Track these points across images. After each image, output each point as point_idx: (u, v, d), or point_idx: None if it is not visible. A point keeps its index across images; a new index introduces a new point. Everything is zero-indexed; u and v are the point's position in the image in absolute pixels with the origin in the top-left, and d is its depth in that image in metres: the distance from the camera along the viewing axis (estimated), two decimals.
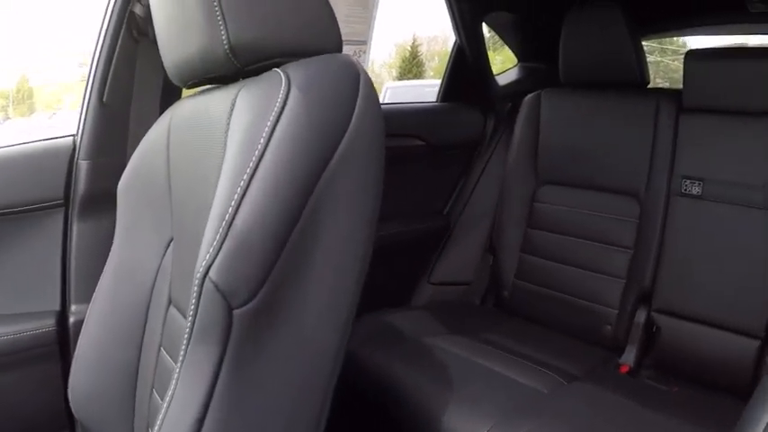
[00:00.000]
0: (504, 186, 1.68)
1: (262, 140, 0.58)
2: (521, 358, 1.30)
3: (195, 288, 0.57)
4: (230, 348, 0.56)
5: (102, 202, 1.09)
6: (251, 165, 0.57)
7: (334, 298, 0.62)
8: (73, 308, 1.11)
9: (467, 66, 1.75)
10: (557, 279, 1.54)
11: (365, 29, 1.43)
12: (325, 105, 0.61)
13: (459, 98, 1.82)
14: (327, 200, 0.59)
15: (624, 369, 1.39)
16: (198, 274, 0.56)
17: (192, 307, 0.57)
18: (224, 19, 0.64)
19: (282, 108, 0.59)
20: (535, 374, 1.23)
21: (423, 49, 19.65)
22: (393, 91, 7.65)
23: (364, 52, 1.45)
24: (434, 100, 1.85)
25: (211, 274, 0.55)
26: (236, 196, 0.56)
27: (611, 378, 1.33)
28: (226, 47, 0.64)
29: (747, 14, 1.75)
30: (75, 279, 1.11)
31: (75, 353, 0.89)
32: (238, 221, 0.55)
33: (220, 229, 0.56)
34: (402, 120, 1.66)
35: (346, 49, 1.39)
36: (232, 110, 0.65)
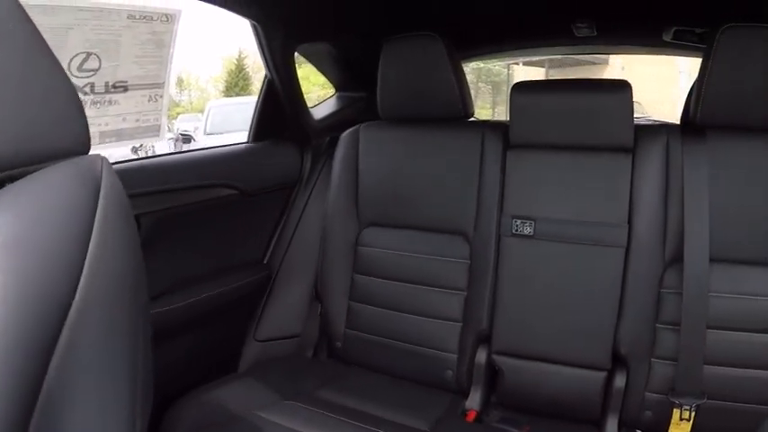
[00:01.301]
0: (325, 230, 1.58)
1: None
2: (362, 422, 1.22)
3: None
4: None
5: None
6: None
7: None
8: None
9: (279, 101, 1.64)
10: (389, 326, 1.47)
11: (161, 69, 1.26)
12: (44, 249, 0.45)
13: (272, 136, 1.69)
14: (80, 342, 0.45)
15: (471, 416, 1.36)
16: None
17: None
18: None
19: None
20: None
21: (249, 62, 19.25)
22: (217, 111, 7.25)
23: (161, 96, 1.28)
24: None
25: None
26: None
27: (458, 427, 1.30)
28: None
29: (573, 38, 1.84)
30: None
31: None
32: None
33: None
34: (210, 168, 1.49)
35: (140, 95, 1.21)
36: None
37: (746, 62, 1.18)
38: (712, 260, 1.21)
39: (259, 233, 1.69)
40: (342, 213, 1.56)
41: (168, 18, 1.20)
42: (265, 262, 1.68)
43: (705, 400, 1.21)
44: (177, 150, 5.92)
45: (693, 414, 1.21)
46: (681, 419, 1.22)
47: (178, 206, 1.34)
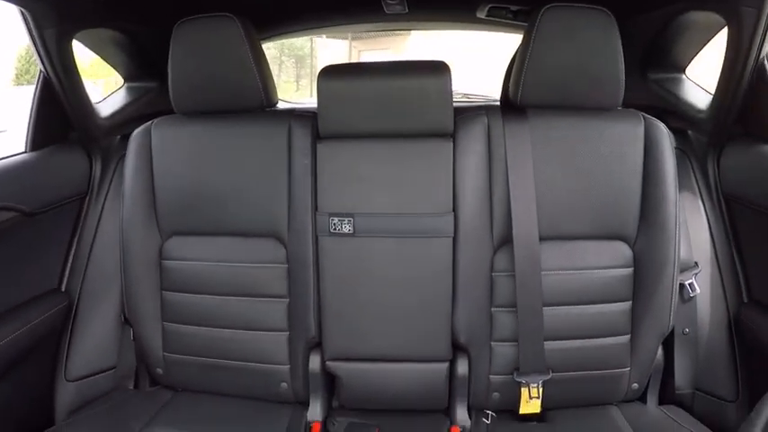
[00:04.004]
0: (124, 245, 1.37)
1: None
2: None
3: None
4: None
5: None
6: None
7: None
8: None
9: (58, 99, 1.38)
10: (211, 345, 1.35)
11: None
12: None
13: (53, 141, 1.44)
14: None
15: (316, 429, 1.31)
16: None
17: None
18: None
19: None
20: None
21: None
22: None
23: None
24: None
25: None
26: None
27: None
28: None
29: (383, 14, 1.76)
30: None
31: None
32: None
33: None
34: None
35: None
36: None
37: (567, 42, 1.20)
38: (541, 239, 1.24)
39: (51, 257, 1.45)
40: (139, 225, 1.36)
41: None
42: (63, 290, 1.45)
43: (551, 375, 1.26)
44: None
45: (541, 390, 1.26)
46: (530, 398, 1.27)
47: None
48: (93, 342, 1.44)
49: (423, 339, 1.29)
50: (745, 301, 1.35)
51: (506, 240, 1.27)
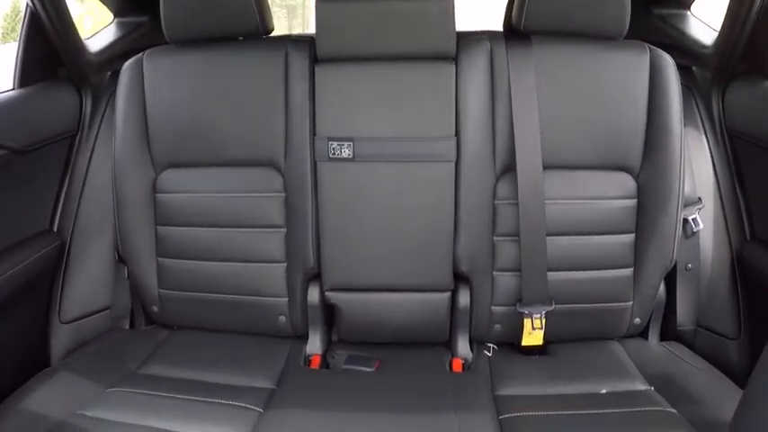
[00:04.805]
0: (116, 180, 1.34)
1: None
2: (197, 395, 1.10)
3: None
4: None
5: None
6: None
7: None
8: None
9: (46, 34, 1.34)
10: (207, 279, 1.33)
11: None
12: None
13: (42, 78, 1.40)
14: None
15: (315, 362, 1.29)
16: None
17: None
18: None
19: None
20: (222, 417, 1.04)
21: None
22: None
23: None
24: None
25: None
26: None
27: (305, 378, 1.22)
28: None
29: None
30: None
31: None
32: None
33: None
34: None
35: None
36: None
37: None
38: (545, 168, 1.22)
39: (42, 197, 1.41)
40: (132, 158, 1.33)
41: None
42: (55, 230, 1.42)
43: (553, 306, 1.25)
44: None
45: (544, 321, 1.25)
46: (533, 329, 1.25)
47: None
48: (87, 282, 1.41)
49: (424, 268, 1.27)
50: (748, 238, 1.33)
51: (509, 168, 1.25)
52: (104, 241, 1.42)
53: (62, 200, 1.43)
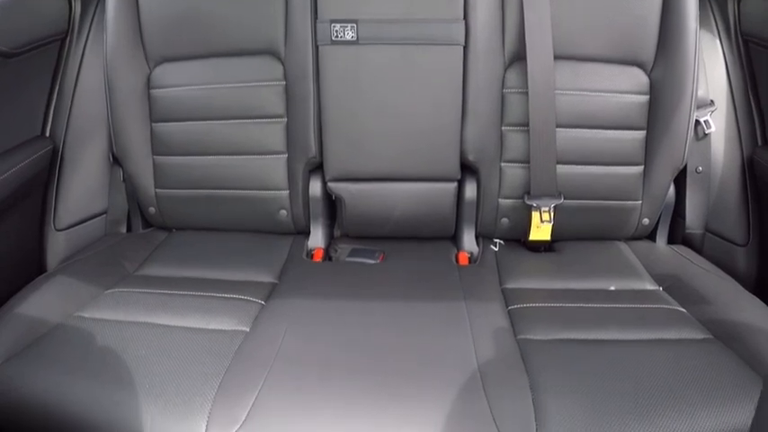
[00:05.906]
0: (109, 79, 1.29)
1: None
2: (198, 291, 1.07)
3: None
4: None
5: None
6: None
7: None
8: None
9: None
10: (205, 175, 1.29)
11: None
12: None
13: None
14: None
15: (318, 255, 1.27)
16: None
17: None
18: None
19: None
20: (224, 310, 1.01)
21: None
22: None
23: None
24: None
25: None
26: None
27: (307, 270, 1.19)
28: None
29: None
30: None
31: None
32: None
33: None
34: None
35: None
36: None
37: None
38: (556, 57, 1.18)
39: (33, 103, 1.36)
40: (125, 54, 1.28)
41: None
42: (47, 134, 1.37)
43: (562, 200, 1.22)
44: None
45: (553, 215, 1.22)
46: (542, 221, 1.22)
47: None
48: (82, 187, 1.38)
49: (430, 156, 1.24)
50: (760, 143, 1.31)
51: (519, 57, 1.21)
52: (98, 144, 1.38)
53: (53, 104, 1.38)
